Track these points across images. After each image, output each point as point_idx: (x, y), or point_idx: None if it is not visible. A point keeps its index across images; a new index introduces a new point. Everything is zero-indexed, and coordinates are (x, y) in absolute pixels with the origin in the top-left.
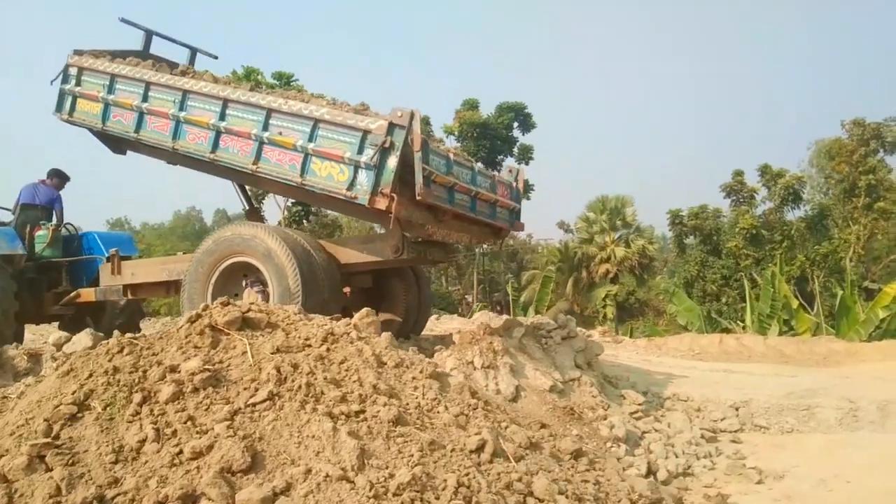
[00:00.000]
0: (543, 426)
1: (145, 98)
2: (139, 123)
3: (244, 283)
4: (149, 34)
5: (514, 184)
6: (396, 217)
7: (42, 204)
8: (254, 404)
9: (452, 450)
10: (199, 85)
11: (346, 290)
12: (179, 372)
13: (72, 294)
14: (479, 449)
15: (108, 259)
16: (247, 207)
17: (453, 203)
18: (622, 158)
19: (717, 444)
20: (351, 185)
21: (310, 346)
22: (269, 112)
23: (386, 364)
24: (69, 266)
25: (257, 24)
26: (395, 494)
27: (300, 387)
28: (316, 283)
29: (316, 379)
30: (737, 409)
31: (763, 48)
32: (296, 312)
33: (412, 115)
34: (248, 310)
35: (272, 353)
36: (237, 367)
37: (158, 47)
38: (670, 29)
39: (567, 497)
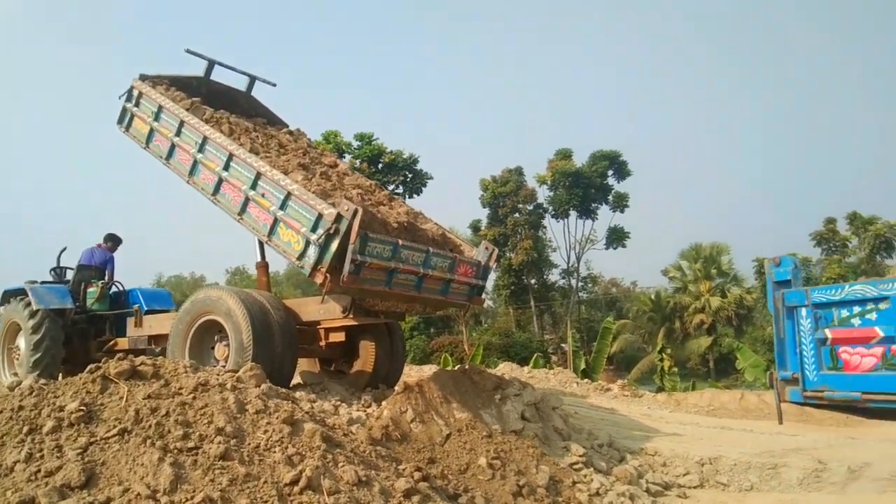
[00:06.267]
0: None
1: (178, 133)
2: (170, 152)
3: (216, 338)
4: (211, 63)
5: (484, 262)
6: (327, 291)
7: (96, 265)
8: (107, 438)
9: (265, 482)
10: (215, 135)
11: (322, 343)
12: (64, 410)
13: (111, 342)
14: (294, 482)
15: (134, 314)
16: (259, 259)
17: (391, 284)
18: (716, 204)
19: (659, 499)
20: (301, 256)
21: (180, 393)
22: (259, 174)
23: (248, 410)
24: (114, 318)
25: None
26: None
27: (151, 426)
28: (269, 338)
29: (168, 420)
30: (702, 466)
31: (857, 91)
32: (185, 366)
33: (356, 212)
34: (141, 363)
35: (143, 399)
36: (111, 408)
37: (220, 74)
38: (758, 74)
39: None
